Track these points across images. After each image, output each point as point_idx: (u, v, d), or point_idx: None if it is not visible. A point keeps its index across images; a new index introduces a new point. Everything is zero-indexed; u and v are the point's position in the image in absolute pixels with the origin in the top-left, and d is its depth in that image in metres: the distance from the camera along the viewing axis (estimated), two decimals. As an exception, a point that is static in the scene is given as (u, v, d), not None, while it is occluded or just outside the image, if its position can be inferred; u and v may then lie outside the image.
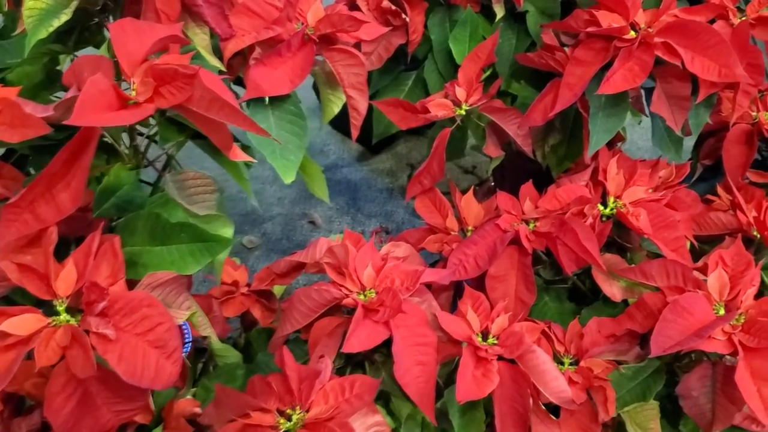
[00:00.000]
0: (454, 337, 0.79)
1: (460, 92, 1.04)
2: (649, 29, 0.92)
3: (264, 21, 0.84)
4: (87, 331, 0.58)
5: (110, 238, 0.61)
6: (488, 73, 1.12)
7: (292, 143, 0.83)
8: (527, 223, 0.98)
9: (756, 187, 1.22)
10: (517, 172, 1.24)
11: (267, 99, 0.81)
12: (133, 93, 0.60)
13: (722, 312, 0.85)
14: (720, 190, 1.21)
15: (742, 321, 0.82)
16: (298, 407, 0.65)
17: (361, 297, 0.79)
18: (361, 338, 0.72)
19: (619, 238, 0.99)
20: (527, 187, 1.03)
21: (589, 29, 0.92)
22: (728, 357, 0.84)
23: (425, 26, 1.10)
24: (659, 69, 0.94)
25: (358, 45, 1.07)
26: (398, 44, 1.08)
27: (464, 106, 1.04)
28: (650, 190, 1.13)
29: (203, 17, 0.79)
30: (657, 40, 0.90)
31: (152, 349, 0.60)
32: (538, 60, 1.01)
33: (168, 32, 0.65)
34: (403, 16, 1.05)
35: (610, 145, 1.18)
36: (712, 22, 0.97)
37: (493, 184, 1.45)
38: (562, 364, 0.89)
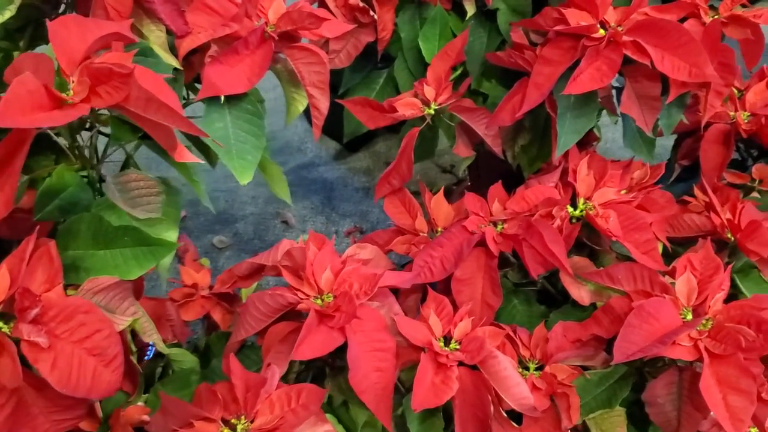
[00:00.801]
0: (412, 342, 0.77)
1: (429, 91, 1.02)
2: (618, 28, 0.91)
3: (222, 18, 0.82)
4: (19, 339, 0.56)
5: (46, 242, 0.59)
6: (459, 71, 1.10)
7: (250, 143, 0.81)
8: (495, 224, 0.97)
9: (732, 189, 1.21)
10: (492, 171, 1.22)
11: (222, 98, 0.79)
12: (71, 93, 0.58)
13: (690, 317, 0.83)
14: (696, 191, 1.20)
15: (709, 327, 0.81)
16: (243, 417, 0.63)
17: (318, 302, 0.77)
18: (313, 345, 0.70)
19: (589, 240, 0.97)
20: (496, 188, 1.01)
21: (558, 27, 0.90)
22: (698, 363, 0.82)
23: (396, 24, 1.08)
24: (629, 68, 0.92)
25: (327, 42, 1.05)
26: (367, 42, 1.06)
27: (433, 106, 1.02)
28: (625, 191, 1.11)
29: (157, 14, 0.77)
30: (626, 38, 0.88)
31: (90, 357, 0.58)
32: (507, 59, 0.99)
33: (111, 29, 0.63)
34: (371, 13, 1.03)
35: (584, 145, 1.17)
36: (684, 20, 0.95)
37: (470, 183, 1.44)
38: (528, 369, 0.88)
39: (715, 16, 0.94)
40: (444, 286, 0.95)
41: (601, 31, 0.90)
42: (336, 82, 1.21)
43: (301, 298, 0.77)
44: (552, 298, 1.02)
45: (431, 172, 1.52)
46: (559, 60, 0.91)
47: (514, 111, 0.95)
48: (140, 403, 0.75)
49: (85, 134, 0.77)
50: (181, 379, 0.79)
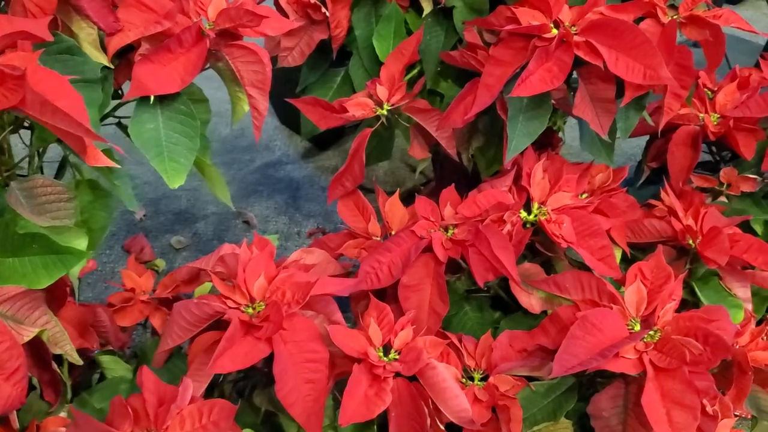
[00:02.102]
0: (346, 353, 0.75)
1: (382, 91, 0.99)
2: (572, 28, 0.88)
3: (156, 15, 0.79)
4: None
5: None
6: (417, 70, 1.07)
7: (183, 145, 0.78)
8: (446, 229, 0.94)
9: (699, 193, 1.18)
10: (455, 172, 1.20)
11: (152, 98, 0.76)
12: (-31, 94, 0.55)
13: (638, 328, 0.80)
14: (663, 194, 1.17)
15: (657, 339, 0.78)
16: (153, 433, 0.61)
17: (250, 311, 0.75)
18: (235, 357, 0.67)
19: (543, 246, 0.95)
20: (449, 192, 0.98)
21: (508, 27, 0.87)
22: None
23: (351, 21, 1.05)
24: (583, 70, 0.89)
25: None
26: (320, 40, 1.03)
27: (386, 106, 0.99)
28: (586, 195, 1.09)
29: (83, 11, 0.74)
30: (578, 39, 0.86)
31: (-12, 371, 0.55)
32: (460, 59, 0.96)
33: (20, 27, 0.60)
34: (323, 10, 1.00)
35: (546, 148, 1.14)
36: (642, 20, 0.92)
37: (435, 184, 1.41)
38: (473, 379, 0.85)
39: (674, 16, 0.91)
40: (395, 292, 0.93)
41: (554, 31, 0.87)
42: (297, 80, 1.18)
43: (231, 307, 0.74)
44: (507, 305, 0.99)
45: (400, 172, 1.49)
46: (511, 61, 0.88)
47: (465, 113, 0.92)
48: (63, 414, 0.73)
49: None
50: (110, 387, 0.76)
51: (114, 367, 0.79)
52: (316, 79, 1.13)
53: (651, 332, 0.79)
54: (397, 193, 1.03)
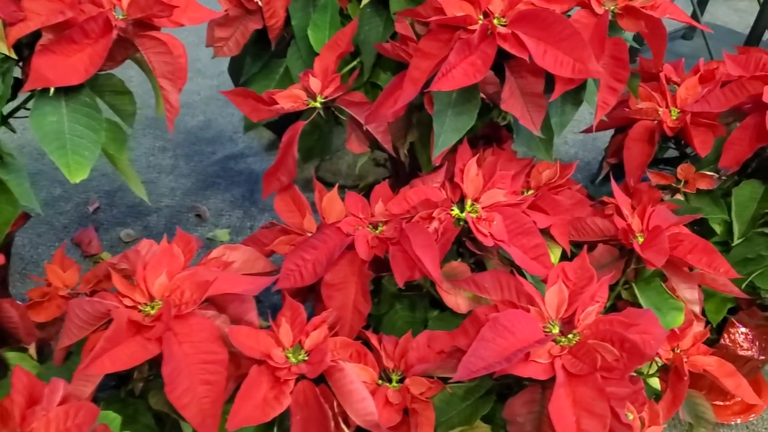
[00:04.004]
0: (246, 354, 0.73)
1: (315, 83, 0.97)
2: (501, 19, 0.84)
3: (63, 5, 0.77)
4: None
5: None
6: (358, 60, 1.04)
7: (88, 138, 0.77)
8: (375, 227, 0.92)
9: (657, 190, 1.15)
10: (412, 166, 1.17)
11: (52, 90, 0.74)
12: None
13: (556, 331, 0.78)
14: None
15: (574, 342, 0.75)
16: (19, 436, 0.59)
17: (148, 309, 0.73)
18: (117, 357, 0.66)
19: (473, 243, 0.92)
20: (381, 187, 0.96)
21: (433, 18, 0.84)
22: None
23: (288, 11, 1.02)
24: (513, 63, 0.86)
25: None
26: (254, 29, 1.01)
27: (319, 98, 0.97)
28: (531, 192, 1.06)
29: (-19, -1, 0.72)
30: (504, 30, 0.82)
31: None
32: (392, 51, 0.94)
33: None
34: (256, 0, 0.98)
35: (496, 142, 1.11)
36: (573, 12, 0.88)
37: (390, 178, 1.38)
38: (391, 381, 0.83)
39: (610, 7, 0.87)
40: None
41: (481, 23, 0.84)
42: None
43: (127, 306, 0.72)
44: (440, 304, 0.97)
45: (363, 166, 1.46)
46: (437, 53, 0.85)
47: (394, 106, 0.89)
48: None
49: None
50: (8, 386, 0.75)
51: (19, 363, 0.77)
52: (259, 70, 1.11)
53: (570, 336, 0.76)
54: (335, 188, 1.01)
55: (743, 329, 1.27)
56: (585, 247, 0.83)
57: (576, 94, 0.90)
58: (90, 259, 1.19)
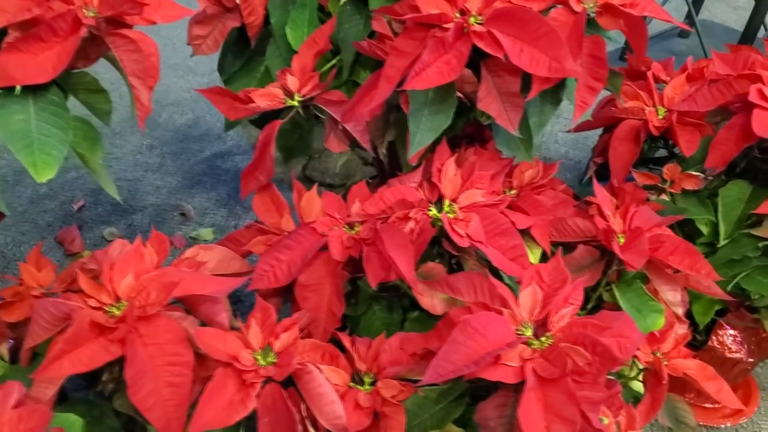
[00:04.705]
0: (212, 356, 0.72)
1: (293, 81, 0.96)
2: (478, 17, 0.83)
3: (32, 2, 0.76)
4: None
5: None
6: (338, 59, 1.03)
7: (55, 137, 0.76)
8: (351, 227, 0.91)
9: (642, 190, 1.14)
10: (397, 165, 1.16)
11: (18, 88, 0.74)
12: None
13: (529, 333, 0.76)
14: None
15: (547, 345, 0.74)
16: (-28, 439, 0.58)
17: (114, 311, 0.72)
18: (78, 359, 0.65)
19: (450, 244, 0.90)
20: (359, 187, 0.95)
21: (409, 16, 0.83)
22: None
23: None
24: (490, 61, 0.85)
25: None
26: (232, 27, 1.00)
27: (297, 97, 0.96)
28: (514, 192, 1.05)
29: (-54, -4, 0.72)
30: (479, 29, 0.81)
31: None
32: (369, 49, 0.92)
33: None
34: (234, -4, 0.97)
35: (478, 142, 1.10)
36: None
37: (377, 177, 1.37)
38: (363, 384, 0.82)
39: (588, 5, 0.86)
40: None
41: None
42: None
43: (92, 307, 0.71)
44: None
45: (352, 164, 1.45)
46: (412, 51, 0.84)
47: (369, 105, 0.88)
48: None
49: None
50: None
51: (-15, 364, 0.77)
52: (240, 68, 1.10)
53: (543, 338, 0.75)
54: (315, 187, 1.00)
55: (732, 331, 1.26)
56: (560, 248, 0.81)
57: (555, 94, 0.88)
58: (72, 257, 1.18)
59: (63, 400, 0.81)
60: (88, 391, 0.79)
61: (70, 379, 0.82)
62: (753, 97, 1.01)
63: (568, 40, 0.83)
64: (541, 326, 0.78)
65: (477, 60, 0.85)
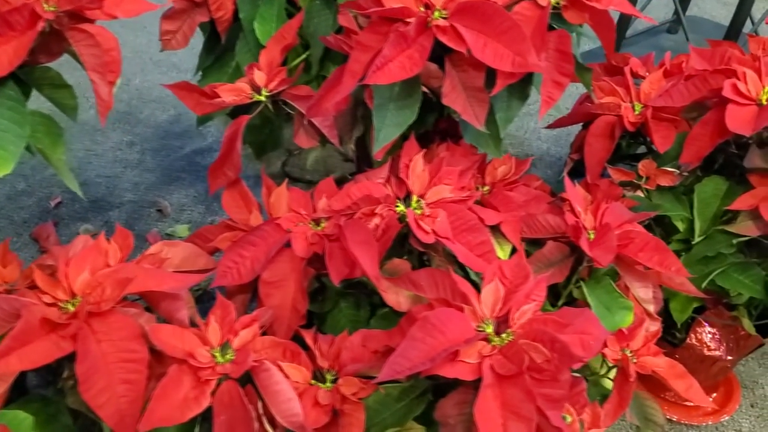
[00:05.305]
0: (168, 353, 0.71)
1: (260, 76, 0.95)
2: (442, 11, 0.82)
3: (-8, -3, 0.76)
4: None
5: None
6: (308, 53, 1.03)
7: (12, 132, 0.75)
8: (318, 223, 0.90)
9: (617, 186, 1.13)
10: (368, 160, 1.15)
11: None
12: None
13: (490, 330, 0.76)
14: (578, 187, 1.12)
15: (506, 342, 0.74)
16: None
17: (70, 307, 0.72)
18: (27, 355, 0.64)
19: (417, 240, 0.90)
20: (326, 183, 0.94)
21: (372, 10, 0.82)
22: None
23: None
24: (454, 56, 0.84)
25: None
26: (201, 22, 0.99)
27: (264, 92, 0.95)
28: (487, 188, 1.04)
29: None
30: (442, 23, 0.80)
31: None
32: (335, 43, 0.92)
33: None
34: (201, -9, 0.96)
35: (446, 138, 1.09)
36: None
37: (356, 172, 1.36)
38: (325, 381, 0.81)
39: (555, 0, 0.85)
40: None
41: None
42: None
43: (47, 303, 0.71)
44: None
45: (331, 160, 1.45)
46: (376, 46, 0.83)
47: (334, 99, 0.87)
48: None
49: None
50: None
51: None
52: (212, 64, 1.09)
53: (503, 335, 0.75)
54: (284, 183, 0.99)
55: (710, 329, 1.25)
56: (522, 243, 0.81)
57: (522, 89, 0.88)
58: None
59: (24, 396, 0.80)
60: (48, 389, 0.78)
61: (38, 377, 0.82)
62: (726, 92, 1.01)
63: (533, 35, 0.82)
64: (503, 323, 0.77)
65: (443, 55, 0.84)
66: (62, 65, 0.81)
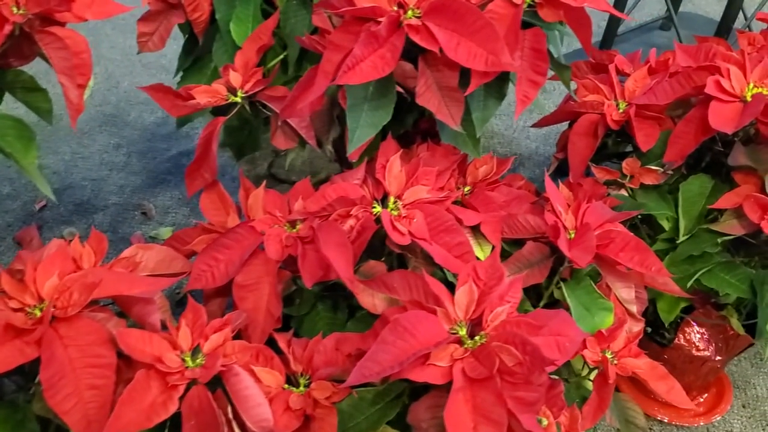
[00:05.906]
0: (136, 358, 0.70)
1: (235, 77, 0.94)
2: (415, 10, 0.81)
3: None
4: None
5: None
6: (285, 54, 1.02)
7: (-21, 136, 0.75)
8: (293, 225, 0.89)
9: (601, 185, 1.12)
10: (347, 161, 1.15)
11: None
12: None
13: (463, 333, 0.75)
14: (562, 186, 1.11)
15: (478, 345, 0.73)
16: None
17: (37, 312, 0.71)
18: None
19: (392, 242, 0.89)
20: (302, 184, 0.93)
21: (343, 9, 0.82)
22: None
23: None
24: (429, 55, 0.83)
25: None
26: (176, 24, 0.99)
27: (240, 93, 0.95)
28: (467, 189, 1.03)
29: None
30: (414, 22, 0.79)
31: None
32: (309, 44, 0.91)
33: None
34: (177, -7, 0.95)
35: (426, 138, 1.08)
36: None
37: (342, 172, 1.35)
38: (299, 385, 0.80)
39: (529, -3, 0.84)
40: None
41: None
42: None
43: (14, 308, 0.70)
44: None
45: (318, 161, 1.44)
46: (348, 46, 0.82)
47: (307, 99, 0.86)
48: None
49: None
50: None
51: None
52: (191, 65, 1.08)
53: (477, 338, 0.74)
54: (263, 184, 0.98)
55: (699, 329, 1.24)
56: (498, 244, 0.80)
57: (498, 88, 0.87)
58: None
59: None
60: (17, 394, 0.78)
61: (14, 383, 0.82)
62: (710, 89, 1.00)
63: (507, 34, 0.81)
64: (477, 325, 0.76)
65: (418, 54, 0.84)
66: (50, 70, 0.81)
